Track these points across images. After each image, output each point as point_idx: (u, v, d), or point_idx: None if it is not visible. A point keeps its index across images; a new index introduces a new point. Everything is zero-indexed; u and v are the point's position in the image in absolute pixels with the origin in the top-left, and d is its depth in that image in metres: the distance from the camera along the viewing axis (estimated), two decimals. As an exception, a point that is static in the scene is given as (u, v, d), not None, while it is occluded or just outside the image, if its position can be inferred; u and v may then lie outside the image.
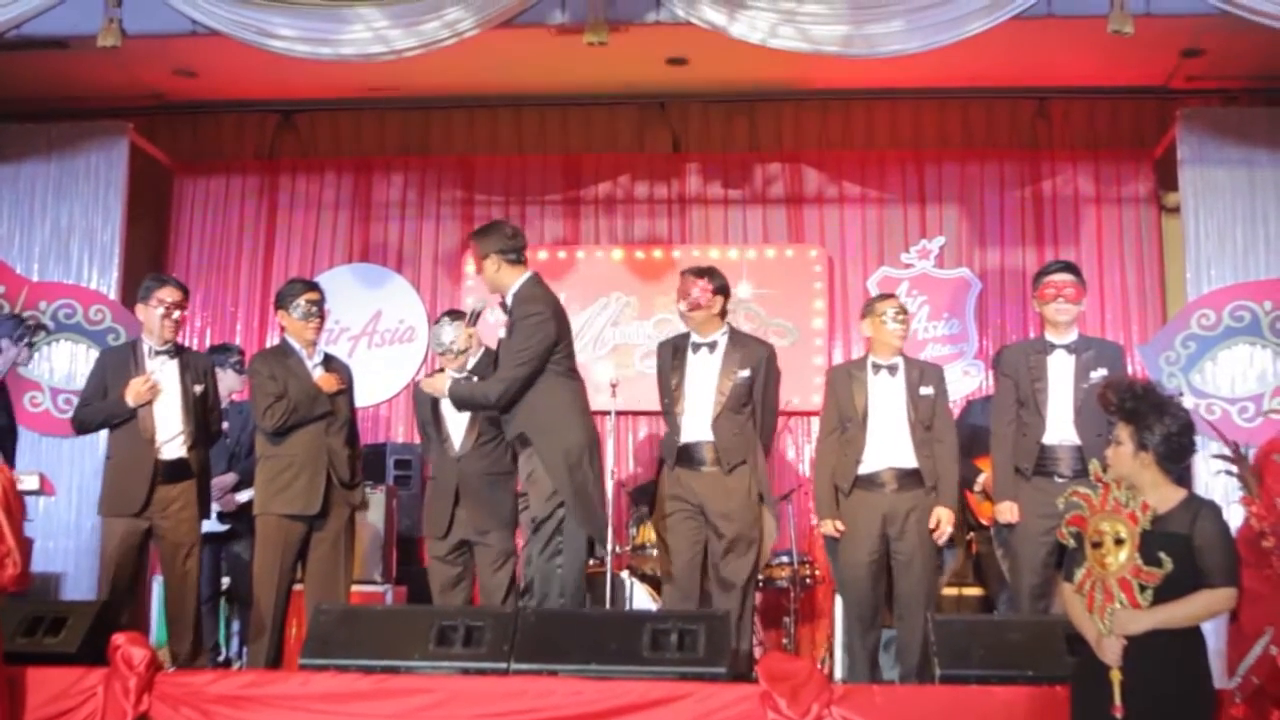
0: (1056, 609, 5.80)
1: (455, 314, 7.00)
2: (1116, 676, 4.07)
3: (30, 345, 7.45)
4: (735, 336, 6.51)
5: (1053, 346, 6.26)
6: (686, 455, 6.33)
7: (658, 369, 6.62)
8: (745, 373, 6.33)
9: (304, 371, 6.52)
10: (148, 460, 6.37)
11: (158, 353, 6.53)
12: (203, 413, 6.64)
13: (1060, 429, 6.12)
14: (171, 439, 6.47)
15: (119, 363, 6.55)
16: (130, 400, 6.36)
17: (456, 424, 6.78)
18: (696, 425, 6.32)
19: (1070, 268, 6.37)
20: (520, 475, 6.25)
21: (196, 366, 6.69)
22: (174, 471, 6.44)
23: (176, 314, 6.54)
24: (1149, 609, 4.05)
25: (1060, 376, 6.19)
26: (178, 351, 6.63)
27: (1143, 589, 4.04)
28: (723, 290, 6.46)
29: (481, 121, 10.00)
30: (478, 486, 6.66)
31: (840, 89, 9.32)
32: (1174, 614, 4.06)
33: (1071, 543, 4.28)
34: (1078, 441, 6.05)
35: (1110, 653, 4.08)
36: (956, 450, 6.32)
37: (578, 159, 9.93)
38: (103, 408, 6.45)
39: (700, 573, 6.33)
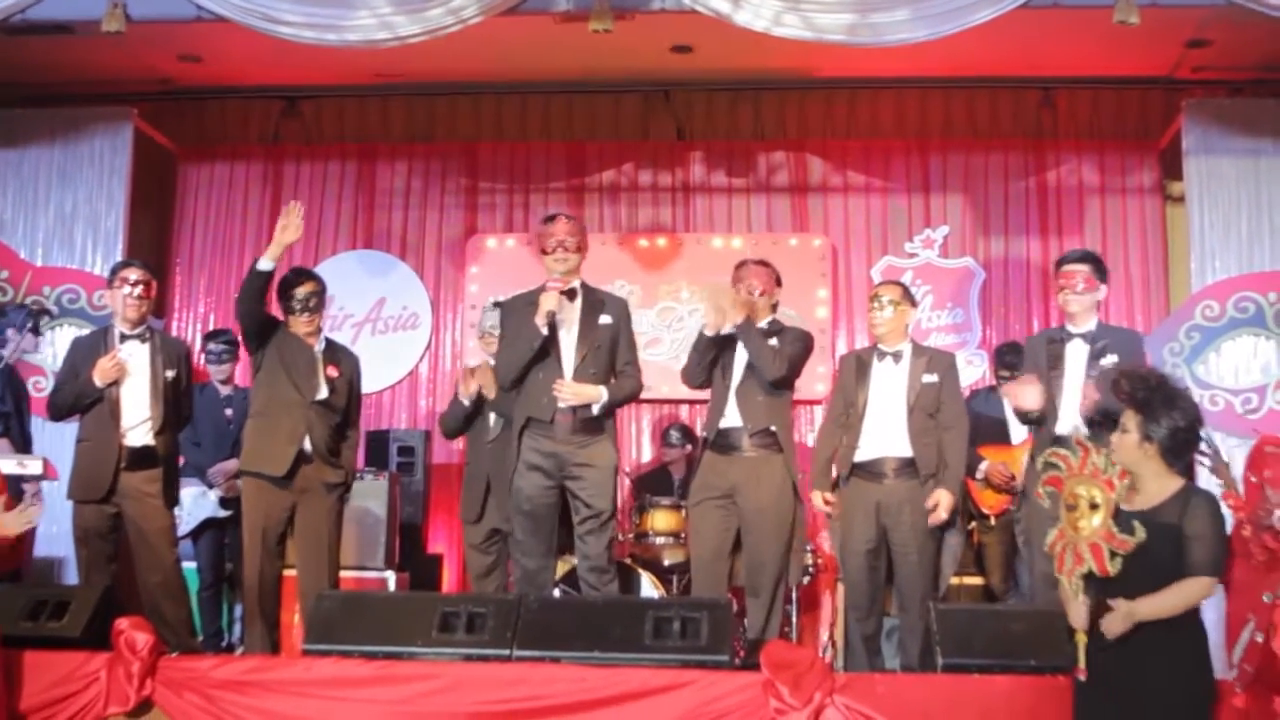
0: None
1: (499, 302, 6.98)
2: (1081, 639, 4.09)
3: (36, 332, 7.44)
4: (775, 324, 6.49)
5: (1070, 335, 6.15)
6: (723, 439, 6.32)
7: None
8: (772, 341, 6.30)
9: (307, 354, 6.40)
10: (113, 446, 6.30)
11: (128, 337, 6.44)
12: (174, 397, 6.53)
13: (1072, 418, 5.97)
14: (138, 425, 6.37)
15: (90, 347, 6.46)
16: (98, 379, 6.27)
17: (492, 408, 6.78)
18: (732, 409, 6.31)
19: (1088, 258, 6.26)
20: (574, 449, 6.05)
21: (169, 351, 6.57)
22: (139, 458, 6.35)
23: (139, 291, 6.41)
24: (1129, 606, 4.03)
25: (1075, 366, 6.08)
26: (150, 335, 6.54)
27: (1113, 555, 4.01)
28: (780, 284, 6.58)
29: (486, 108, 9.99)
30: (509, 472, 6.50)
31: (845, 78, 9.29)
32: (1152, 606, 4.04)
33: (1047, 502, 4.28)
34: (1085, 432, 5.88)
35: (1077, 616, 4.09)
36: (966, 438, 6.28)
37: (582, 146, 9.92)
38: (71, 390, 6.37)
39: (728, 561, 6.31)
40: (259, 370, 6.43)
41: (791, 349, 6.33)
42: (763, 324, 6.39)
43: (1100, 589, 4.09)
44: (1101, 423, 4.33)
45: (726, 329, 6.23)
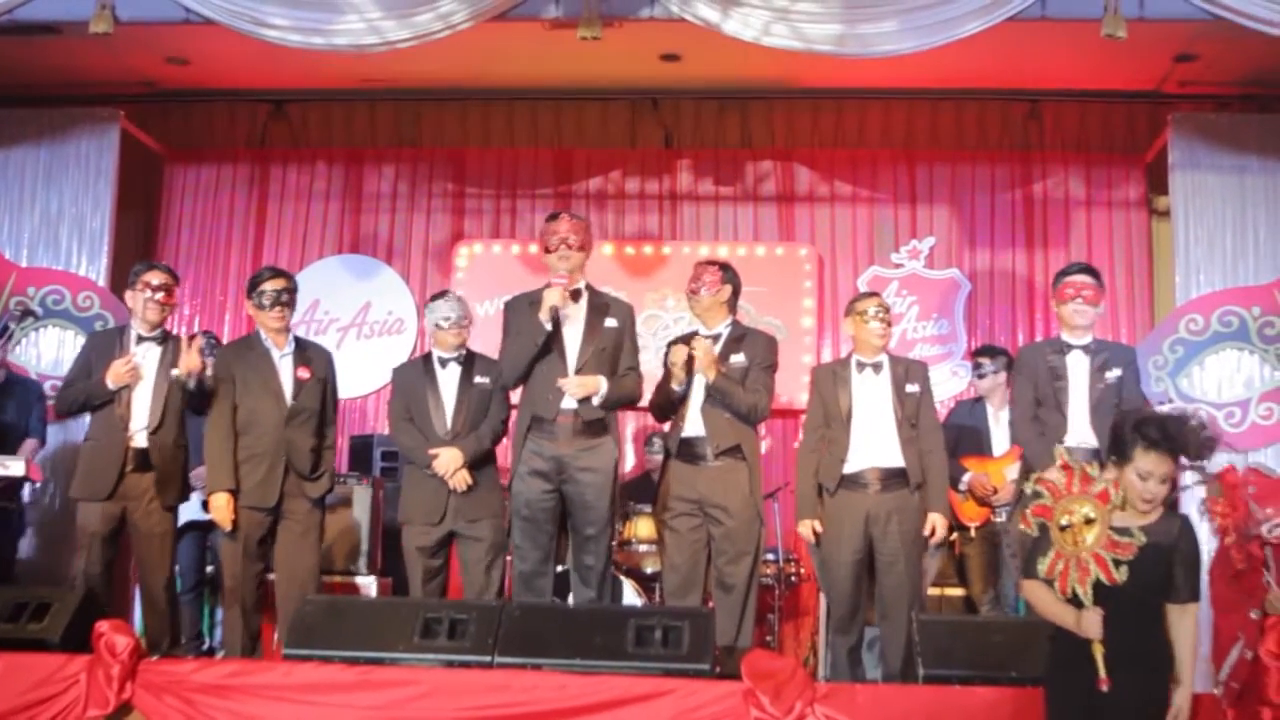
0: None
1: (445, 293, 6.80)
2: (1099, 649, 4.03)
3: (8, 335, 7.41)
4: (738, 328, 6.45)
5: (1069, 347, 6.24)
6: (687, 449, 6.27)
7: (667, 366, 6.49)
8: (739, 357, 6.28)
9: (268, 363, 6.42)
10: (119, 446, 6.32)
11: (144, 339, 6.49)
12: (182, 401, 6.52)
13: (1079, 430, 6.07)
14: (145, 427, 6.39)
15: (105, 346, 6.50)
16: (110, 382, 6.31)
17: (449, 403, 6.53)
18: (695, 419, 6.27)
19: (1090, 270, 6.37)
20: (576, 452, 6.07)
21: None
22: (146, 460, 6.38)
23: (160, 296, 6.46)
24: (1187, 682, 4.08)
25: (1077, 378, 6.16)
26: (165, 339, 6.57)
27: (1118, 564, 4.01)
28: (732, 282, 6.41)
29: (473, 114, 9.99)
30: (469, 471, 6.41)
31: (833, 88, 9.32)
32: (1191, 672, 4.12)
33: (1035, 532, 4.26)
34: (1094, 443, 5.97)
35: (1092, 626, 4.05)
36: (944, 450, 6.31)
37: (569, 153, 9.93)
38: (83, 388, 6.40)
39: (703, 571, 6.29)
40: (222, 382, 6.42)
41: (766, 374, 6.33)
42: (722, 327, 6.39)
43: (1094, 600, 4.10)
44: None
45: (697, 382, 6.23)
